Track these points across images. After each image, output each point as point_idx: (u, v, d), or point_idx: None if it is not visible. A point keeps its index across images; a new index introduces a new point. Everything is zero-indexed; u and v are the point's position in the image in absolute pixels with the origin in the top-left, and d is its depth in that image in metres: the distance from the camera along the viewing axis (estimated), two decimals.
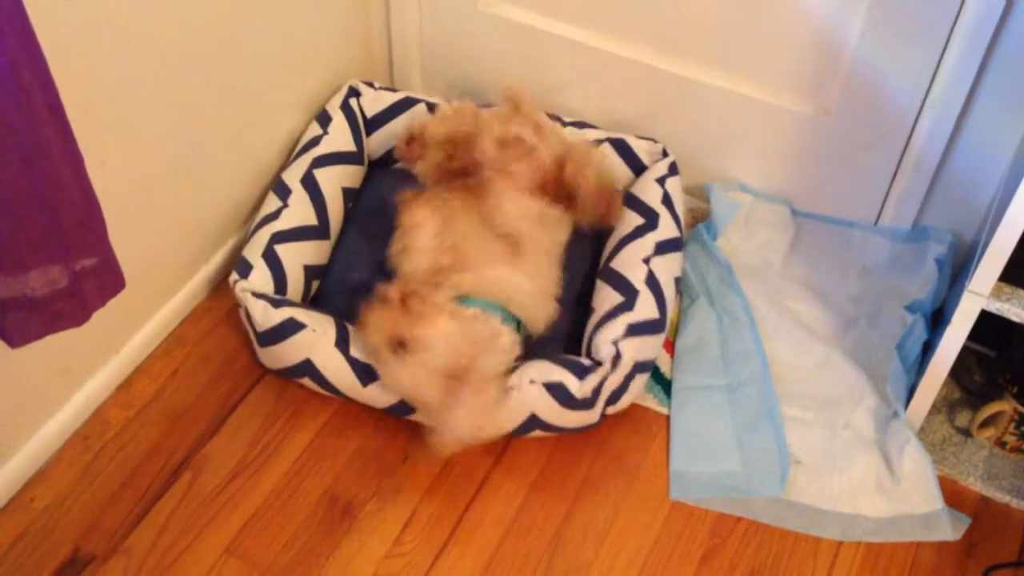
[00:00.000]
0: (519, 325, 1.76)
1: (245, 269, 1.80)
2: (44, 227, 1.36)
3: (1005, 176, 1.80)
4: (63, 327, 1.50)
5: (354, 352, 1.73)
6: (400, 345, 1.60)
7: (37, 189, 1.32)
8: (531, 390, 1.68)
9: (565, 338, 1.88)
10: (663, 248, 1.87)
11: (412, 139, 1.98)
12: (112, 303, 1.54)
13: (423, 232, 1.80)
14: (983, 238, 1.66)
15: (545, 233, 1.86)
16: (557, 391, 1.67)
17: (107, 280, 1.51)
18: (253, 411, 1.83)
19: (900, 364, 1.84)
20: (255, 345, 1.83)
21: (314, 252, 1.92)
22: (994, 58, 1.76)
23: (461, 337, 1.62)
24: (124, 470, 1.74)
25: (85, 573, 1.61)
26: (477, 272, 1.75)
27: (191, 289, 1.96)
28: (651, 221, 1.90)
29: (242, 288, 1.77)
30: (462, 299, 1.72)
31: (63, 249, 1.41)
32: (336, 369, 1.74)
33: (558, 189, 1.89)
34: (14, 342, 1.47)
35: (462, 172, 1.91)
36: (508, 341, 1.69)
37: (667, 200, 1.95)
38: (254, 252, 1.83)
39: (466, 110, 1.97)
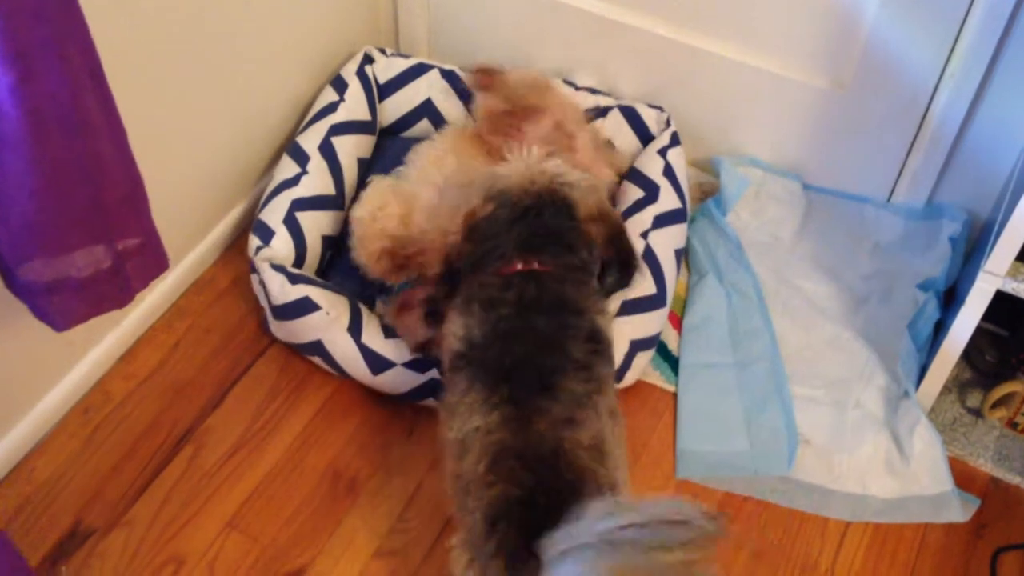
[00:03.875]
0: None
1: (267, 235, 1.78)
2: (88, 205, 1.34)
3: (1023, 153, 1.77)
4: (106, 309, 1.48)
5: (366, 339, 1.71)
6: (423, 348, 1.67)
7: (81, 164, 1.29)
8: None
9: None
10: (662, 221, 1.85)
11: (487, 71, 1.92)
12: None
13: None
14: (999, 217, 1.64)
15: None
16: None
17: (151, 260, 1.49)
18: (256, 384, 1.81)
19: (911, 343, 1.82)
20: (268, 315, 1.80)
21: (330, 222, 1.90)
22: (1014, 32, 1.73)
23: None
24: (126, 442, 1.73)
25: (86, 545, 1.60)
26: None
27: (194, 259, 1.94)
28: (651, 194, 1.88)
29: (263, 257, 1.75)
30: None
31: (107, 228, 1.39)
32: (347, 354, 1.73)
33: None
34: (59, 325, 1.45)
35: (505, 132, 1.87)
36: None
37: (669, 171, 1.92)
38: (274, 217, 1.80)
39: (541, 83, 1.92)
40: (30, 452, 1.70)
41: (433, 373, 1.70)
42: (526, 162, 1.49)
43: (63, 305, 1.43)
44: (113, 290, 1.46)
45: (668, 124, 2.02)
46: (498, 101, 1.87)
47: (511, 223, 1.42)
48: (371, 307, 1.78)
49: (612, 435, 1.31)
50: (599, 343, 1.38)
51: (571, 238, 1.43)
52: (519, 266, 1.39)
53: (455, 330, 1.40)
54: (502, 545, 1.19)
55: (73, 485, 1.67)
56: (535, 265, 1.39)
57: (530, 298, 1.37)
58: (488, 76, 1.91)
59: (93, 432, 1.73)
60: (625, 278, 1.52)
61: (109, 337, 1.80)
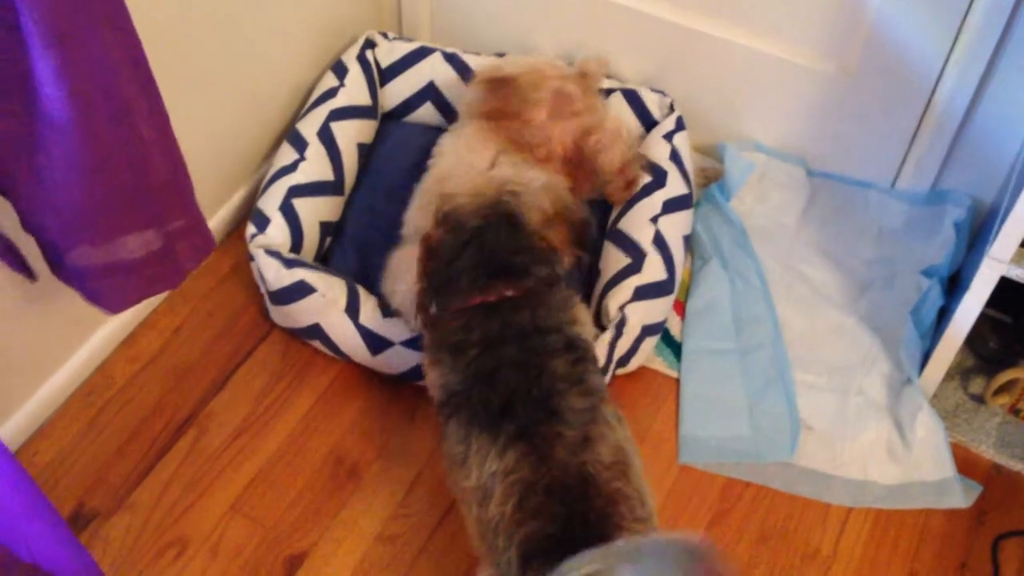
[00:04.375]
0: None
1: (262, 222, 1.77)
2: (135, 188, 1.34)
3: None
4: (158, 290, 1.50)
5: (363, 320, 1.71)
6: None
7: (126, 148, 1.29)
8: None
9: None
10: (671, 206, 1.84)
11: (495, 81, 1.84)
12: None
13: None
14: (1004, 203, 1.63)
15: None
16: None
17: (199, 241, 1.49)
18: (259, 368, 1.82)
19: (914, 330, 1.82)
20: (266, 301, 1.80)
21: (329, 208, 1.89)
22: (1019, 18, 1.71)
23: None
24: (128, 426, 1.73)
25: (89, 528, 1.61)
26: None
27: None
28: (659, 179, 1.87)
29: (259, 244, 1.74)
30: None
31: (155, 211, 1.39)
32: (345, 335, 1.72)
33: (576, 160, 1.83)
34: (113, 308, 1.46)
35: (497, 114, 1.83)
36: None
37: (675, 156, 1.91)
38: (270, 204, 1.80)
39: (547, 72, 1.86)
40: (33, 435, 1.70)
41: None
42: (477, 169, 1.43)
43: (116, 287, 1.44)
44: (165, 271, 1.47)
45: (672, 109, 2.01)
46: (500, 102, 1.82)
47: (461, 249, 1.36)
48: (370, 289, 1.78)
49: (627, 443, 1.30)
50: (579, 350, 1.34)
51: (524, 257, 1.37)
52: (477, 299, 1.35)
53: (432, 380, 1.37)
54: None
55: (76, 469, 1.67)
56: (491, 297, 1.35)
57: (494, 334, 1.32)
58: (496, 86, 1.83)
59: (96, 416, 1.74)
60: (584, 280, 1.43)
61: (112, 321, 1.80)
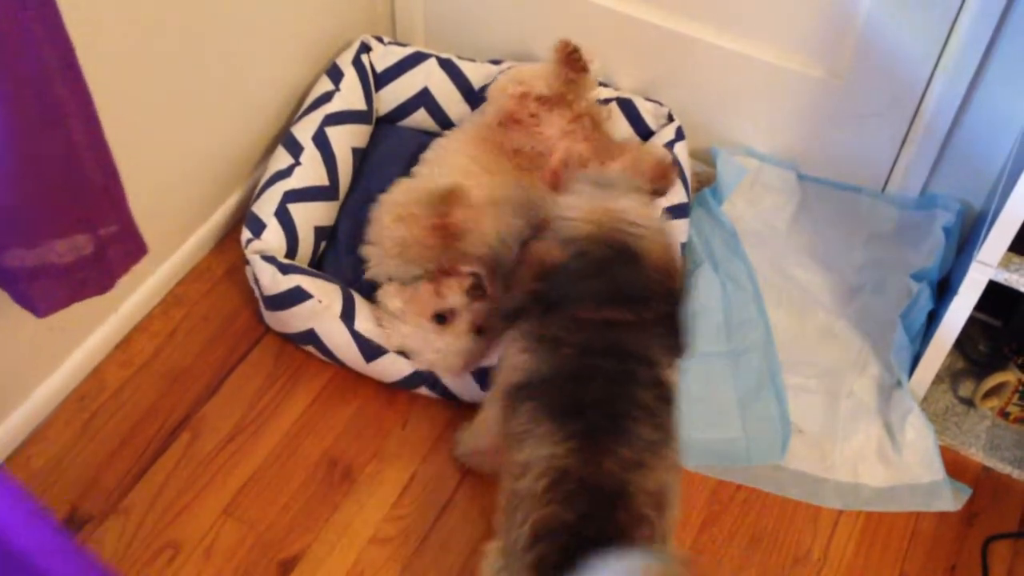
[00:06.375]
0: None
1: (258, 227, 1.78)
2: (67, 192, 1.34)
3: (1016, 144, 1.77)
4: (88, 295, 1.48)
5: (359, 326, 1.71)
6: (439, 318, 1.66)
7: (56, 153, 1.29)
8: None
9: None
10: (672, 214, 1.85)
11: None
12: None
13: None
14: (992, 207, 1.64)
15: None
16: None
17: (131, 246, 1.49)
18: (252, 372, 1.82)
19: (904, 333, 1.83)
20: (261, 306, 1.81)
21: (324, 213, 1.90)
22: (1008, 23, 1.72)
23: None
24: (122, 430, 1.73)
25: (82, 532, 1.61)
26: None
27: (190, 248, 1.94)
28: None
29: (254, 249, 1.75)
30: None
31: (86, 215, 1.39)
32: (340, 342, 1.73)
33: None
34: (40, 311, 1.45)
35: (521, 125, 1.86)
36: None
37: (675, 165, 1.92)
38: (266, 210, 1.80)
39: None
40: (26, 440, 1.71)
41: None
42: (588, 198, 1.45)
43: (45, 291, 1.43)
44: (95, 275, 1.46)
45: (670, 119, 2.02)
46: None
47: (583, 276, 1.40)
48: (364, 295, 1.79)
49: (673, 491, 1.33)
50: (668, 392, 1.39)
51: (641, 291, 1.40)
52: (590, 314, 1.39)
53: (516, 362, 1.40)
54: (540, 561, 1.22)
55: (69, 473, 1.67)
56: (606, 315, 1.39)
57: (598, 344, 1.37)
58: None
59: (89, 420, 1.74)
60: (677, 343, 1.46)
61: (105, 325, 1.80)
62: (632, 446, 1.30)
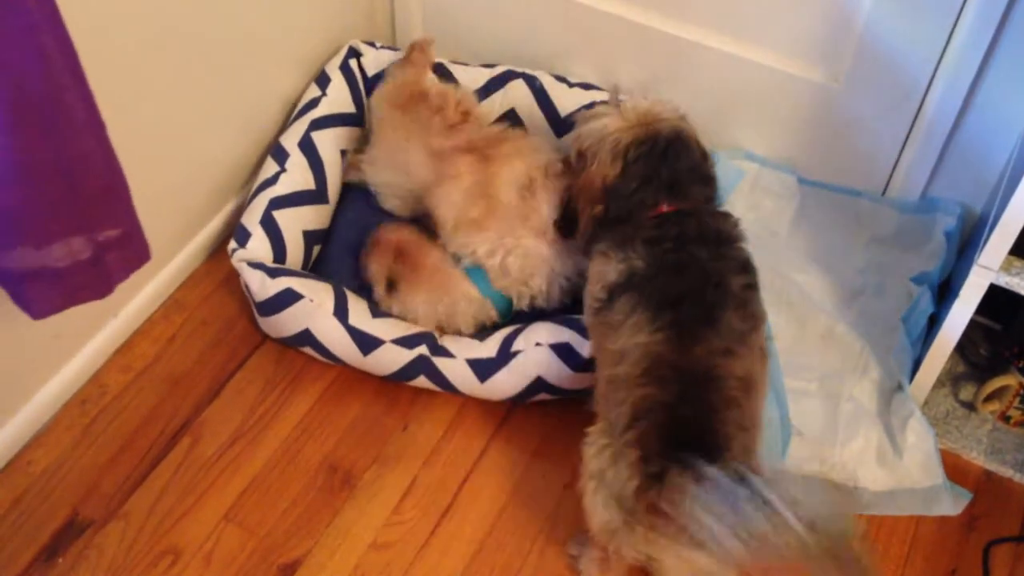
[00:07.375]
0: (506, 300, 1.80)
1: (243, 237, 1.79)
2: (66, 197, 1.34)
3: (1017, 148, 1.77)
4: (85, 299, 1.48)
5: (353, 320, 1.71)
6: (392, 287, 1.78)
7: (58, 157, 1.30)
8: (538, 352, 1.68)
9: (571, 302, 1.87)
10: None
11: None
12: None
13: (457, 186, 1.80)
14: (993, 211, 1.64)
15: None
16: (563, 352, 1.68)
17: (132, 251, 1.49)
18: (252, 377, 1.82)
19: (905, 337, 1.83)
20: (256, 315, 1.81)
21: (313, 217, 1.90)
22: (1008, 27, 1.72)
23: (436, 301, 1.77)
24: (122, 434, 1.73)
25: (83, 537, 1.61)
26: (503, 235, 1.75)
27: (190, 253, 1.94)
28: None
29: (239, 258, 1.75)
30: (468, 267, 1.76)
31: (85, 219, 1.39)
32: (335, 338, 1.73)
33: None
34: (35, 314, 1.45)
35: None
36: (476, 312, 1.79)
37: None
38: (252, 219, 1.81)
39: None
40: (27, 444, 1.71)
41: (422, 349, 1.71)
42: (633, 108, 1.57)
43: (41, 294, 1.43)
44: (92, 280, 1.47)
45: None
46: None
47: (650, 171, 1.52)
48: (360, 294, 1.79)
49: (760, 374, 1.42)
50: (751, 275, 1.48)
51: (705, 171, 1.56)
52: (665, 208, 1.51)
53: (610, 268, 1.48)
54: (640, 438, 1.31)
55: (70, 477, 1.67)
56: (680, 205, 1.51)
57: (690, 233, 1.48)
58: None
59: (90, 424, 1.74)
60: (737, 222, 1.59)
61: (106, 329, 1.80)
62: (721, 335, 1.38)
